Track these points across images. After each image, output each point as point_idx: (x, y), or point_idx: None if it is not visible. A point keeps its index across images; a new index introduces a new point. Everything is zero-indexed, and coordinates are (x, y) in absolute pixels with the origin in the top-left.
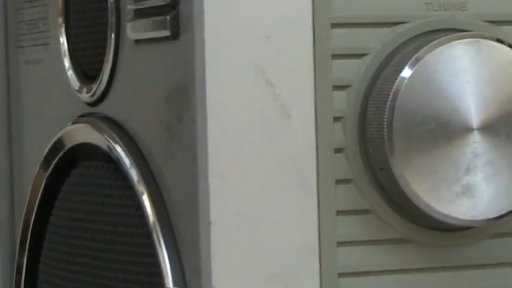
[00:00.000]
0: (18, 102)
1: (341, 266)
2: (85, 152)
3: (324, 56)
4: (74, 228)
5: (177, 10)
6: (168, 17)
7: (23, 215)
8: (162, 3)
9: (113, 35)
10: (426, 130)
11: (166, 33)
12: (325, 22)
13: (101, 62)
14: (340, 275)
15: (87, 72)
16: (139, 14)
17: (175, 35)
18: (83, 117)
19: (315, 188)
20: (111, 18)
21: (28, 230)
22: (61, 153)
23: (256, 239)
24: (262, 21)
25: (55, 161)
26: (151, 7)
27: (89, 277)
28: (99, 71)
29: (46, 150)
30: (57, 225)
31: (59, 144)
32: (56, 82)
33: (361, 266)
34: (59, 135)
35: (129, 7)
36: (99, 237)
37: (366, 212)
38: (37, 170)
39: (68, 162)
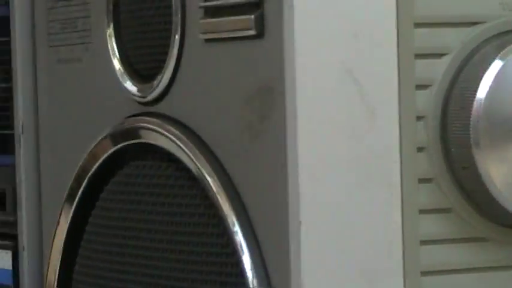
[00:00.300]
0: (51, 102)
1: (424, 265)
2: (136, 151)
3: (407, 55)
4: (123, 228)
5: (262, 9)
6: (252, 16)
7: (58, 215)
8: (243, 1)
9: (177, 35)
10: (510, 129)
11: (250, 32)
12: (409, 21)
13: (160, 61)
14: (423, 273)
15: (140, 72)
16: (212, 12)
17: (259, 35)
18: (134, 117)
19: (399, 186)
20: (175, 17)
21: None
22: (108, 154)
23: (343, 237)
24: (350, 20)
25: (102, 159)
26: (227, 6)
27: (144, 277)
28: (157, 70)
29: (96, 144)
30: (100, 226)
31: (108, 141)
32: (98, 81)
33: (443, 264)
34: (106, 133)
35: (201, 5)
36: (158, 237)
37: (447, 210)
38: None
39: (114, 162)
